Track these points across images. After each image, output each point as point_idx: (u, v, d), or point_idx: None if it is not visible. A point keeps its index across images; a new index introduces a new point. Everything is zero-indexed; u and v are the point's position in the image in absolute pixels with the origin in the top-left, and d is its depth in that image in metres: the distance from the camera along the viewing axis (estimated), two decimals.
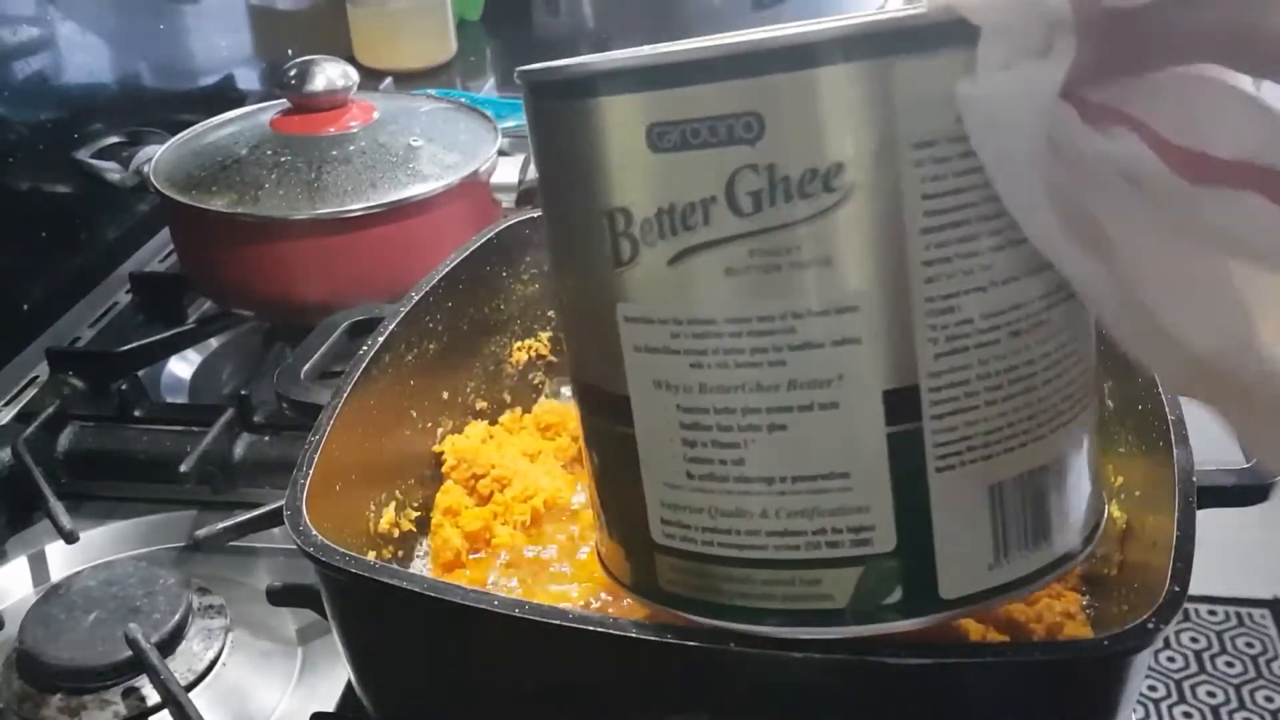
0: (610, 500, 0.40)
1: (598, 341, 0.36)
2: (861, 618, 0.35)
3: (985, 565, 0.35)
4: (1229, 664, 0.67)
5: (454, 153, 0.80)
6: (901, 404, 0.33)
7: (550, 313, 0.67)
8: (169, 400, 0.81)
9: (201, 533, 0.60)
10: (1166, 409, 0.46)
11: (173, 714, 0.52)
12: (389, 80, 1.23)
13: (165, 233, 0.96)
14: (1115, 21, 0.29)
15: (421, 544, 0.57)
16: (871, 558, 0.34)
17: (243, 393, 0.71)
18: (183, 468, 0.65)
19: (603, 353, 0.36)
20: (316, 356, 0.57)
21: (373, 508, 0.54)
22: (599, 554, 0.43)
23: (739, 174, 0.31)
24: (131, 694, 0.54)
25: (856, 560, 0.35)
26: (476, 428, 0.62)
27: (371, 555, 0.52)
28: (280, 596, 0.57)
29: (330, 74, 0.81)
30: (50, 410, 0.71)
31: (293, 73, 0.81)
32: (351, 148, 0.78)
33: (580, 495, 0.59)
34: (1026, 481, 0.35)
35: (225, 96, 1.12)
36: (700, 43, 0.32)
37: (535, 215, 0.64)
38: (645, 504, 0.37)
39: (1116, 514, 0.50)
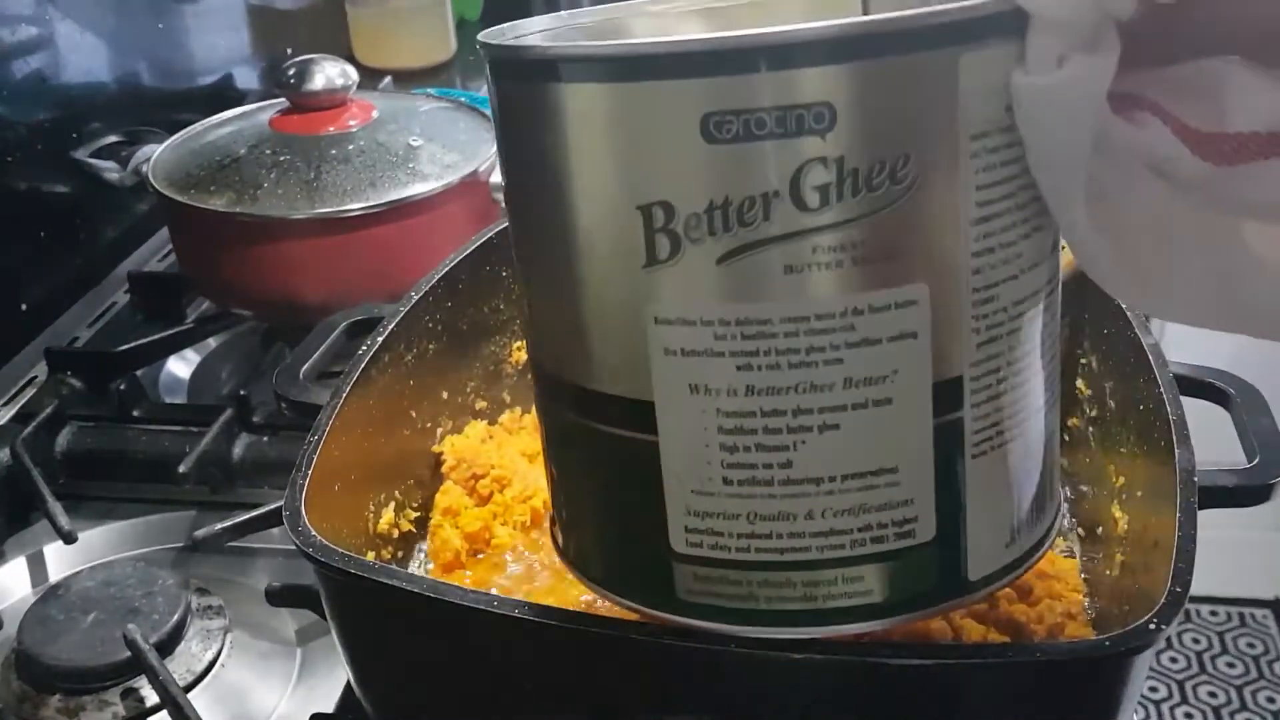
0: (612, 511, 0.38)
1: (612, 346, 0.34)
2: (897, 609, 0.35)
3: (1003, 544, 0.36)
4: (1230, 665, 0.67)
5: (453, 152, 0.80)
6: (948, 395, 0.33)
7: None
8: (167, 400, 0.81)
9: (200, 533, 0.60)
10: (1168, 409, 0.46)
11: (171, 715, 0.52)
12: (388, 79, 1.22)
13: (164, 232, 0.96)
14: (1148, 15, 0.30)
15: (421, 545, 0.57)
16: (912, 549, 0.34)
17: (241, 393, 0.70)
18: (181, 468, 0.65)
19: (619, 357, 0.34)
20: (315, 356, 0.57)
21: (372, 508, 0.54)
22: (577, 567, 0.40)
23: (807, 167, 0.30)
24: (130, 695, 0.54)
25: (898, 554, 0.34)
26: (476, 428, 0.61)
27: (371, 556, 0.52)
28: (279, 597, 0.57)
29: (329, 73, 0.81)
30: (49, 410, 0.71)
31: (292, 72, 0.81)
32: (350, 147, 0.78)
33: None
34: (1033, 458, 0.36)
35: (224, 96, 1.12)
36: (763, 29, 0.30)
37: None
38: (665, 513, 0.35)
39: (1118, 514, 0.50)
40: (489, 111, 0.87)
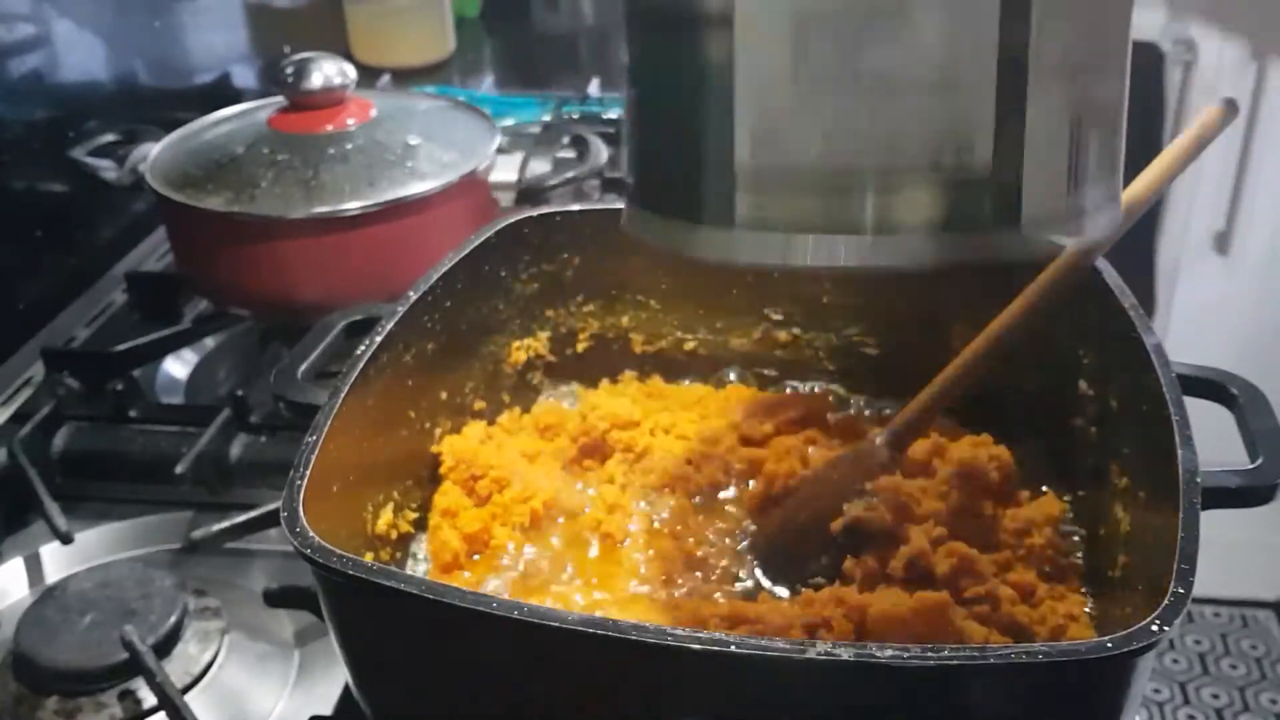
0: (683, 125, 0.38)
1: None
2: (950, 227, 0.36)
3: (1061, 192, 0.37)
4: (1233, 666, 0.67)
5: (452, 151, 0.79)
6: (1015, 7, 0.34)
7: (549, 312, 0.66)
8: (165, 401, 0.80)
9: (197, 534, 0.60)
10: (1170, 409, 0.46)
11: (169, 717, 0.52)
12: (386, 77, 1.22)
13: (161, 232, 0.96)
14: None
15: (420, 545, 0.57)
16: (969, 172, 0.35)
17: (239, 393, 0.70)
18: (178, 469, 0.64)
19: None
20: (313, 356, 0.57)
21: (370, 509, 0.54)
22: (642, 206, 0.41)
23: None
24: (127, 697, 0.54)
25: (955, 169, 0.35)
26: (475, 428, 0.61)
27: (369, 557, 0.51)
28: (277, 598, 0.57)
29: (327, 71, 0.80)
30: (46, 411, 0.71)
31: (289, 70, 0.81)
32: (349, 146, 0.78)
33: (579, 498, 0.59)
34: (1099, 114, 0.38)
35: (221, 94, 1.11)
36: None
37: (534, 214, 0.64)
38: (732, 124, 0.36)
39: (1121, 515, 0.50)
40: (487, 110, 0.87)
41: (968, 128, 0.35)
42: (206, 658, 0.56)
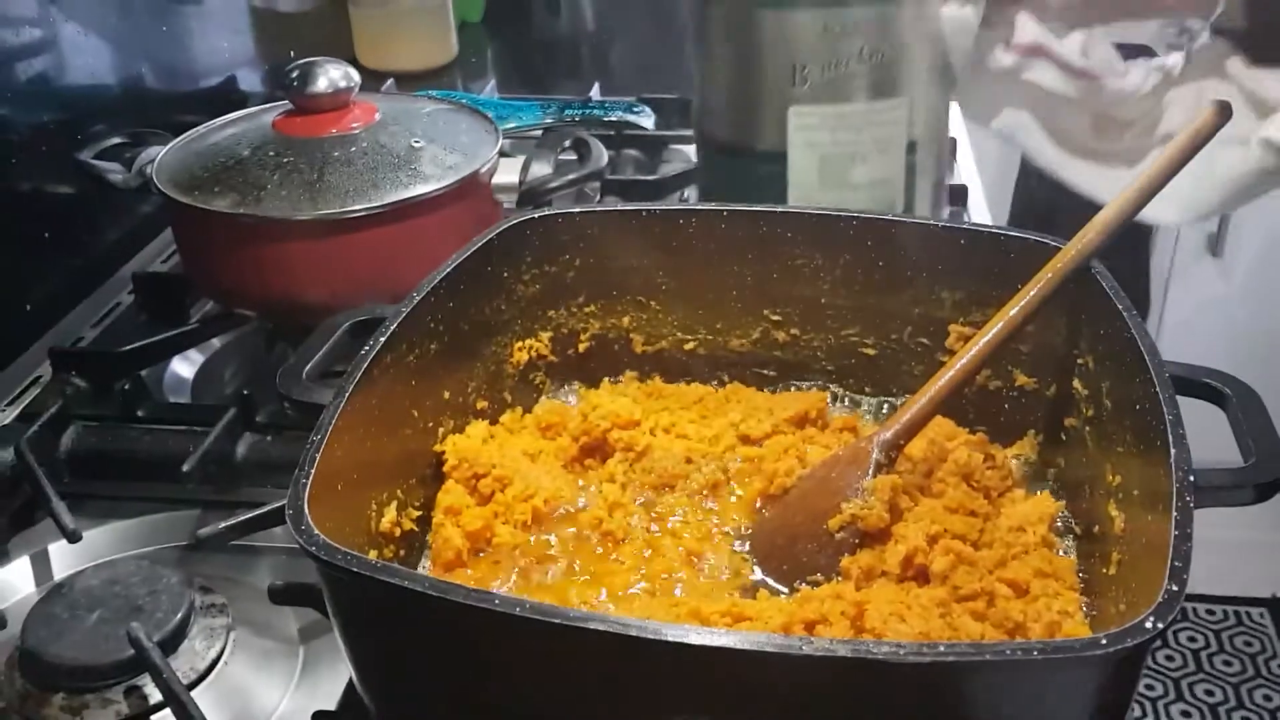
0: None
1: None
2: None
3: (928, 205, 0.80)
4: (1227, 663, 0.68)
5: (455, 153, 0.80)
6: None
7: (551, 312, 0.67)
8: (171, 400, 0.81)
9: (204, 532, 0.61)
10: (1164, 409, 0.46)
11: (175, 713, 0.52)
12: (390, 81, 1.23)
13: (168, 233, 0.96)
14: None
15: (423, 543, 0.58)
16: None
17: (245, 393, 0.71)
18: (185, 467, 0.65)
19: None
20: (318, 356, 0.57)
21: (374, 507, 0.54)
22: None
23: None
24: (134, 693, 0.54)
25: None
26: (477, 427, 0.62)
27: (373, 554, 0.52)
28: (282, 595, 0.57)
29: (332, 75, 0.81)
30: (53, 410, 0.72)
31: (295, 74, 0.81)
32: (353, 149, 0.78)
33: (580, 496, 0.60)
34: (938, 166, 0.80)
35: (227, 98, 1.12)
36: None
37: (536, 216, 0.65)
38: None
39: (1115, 513, 0.50)
40: (490, 113, 0.88)
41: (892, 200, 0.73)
42: (212, 654, 0.57)
